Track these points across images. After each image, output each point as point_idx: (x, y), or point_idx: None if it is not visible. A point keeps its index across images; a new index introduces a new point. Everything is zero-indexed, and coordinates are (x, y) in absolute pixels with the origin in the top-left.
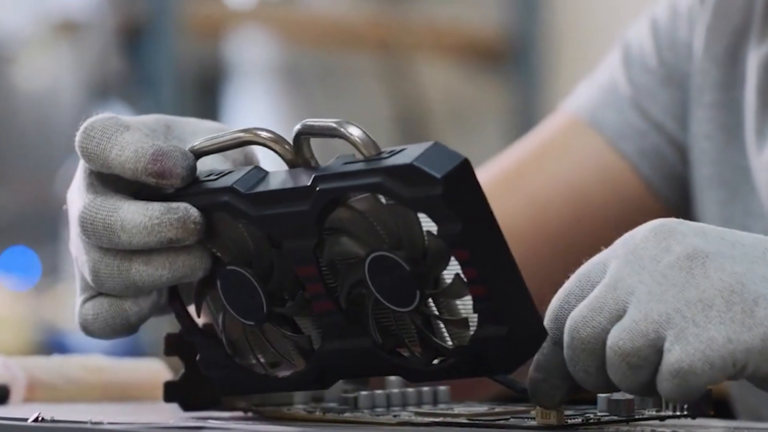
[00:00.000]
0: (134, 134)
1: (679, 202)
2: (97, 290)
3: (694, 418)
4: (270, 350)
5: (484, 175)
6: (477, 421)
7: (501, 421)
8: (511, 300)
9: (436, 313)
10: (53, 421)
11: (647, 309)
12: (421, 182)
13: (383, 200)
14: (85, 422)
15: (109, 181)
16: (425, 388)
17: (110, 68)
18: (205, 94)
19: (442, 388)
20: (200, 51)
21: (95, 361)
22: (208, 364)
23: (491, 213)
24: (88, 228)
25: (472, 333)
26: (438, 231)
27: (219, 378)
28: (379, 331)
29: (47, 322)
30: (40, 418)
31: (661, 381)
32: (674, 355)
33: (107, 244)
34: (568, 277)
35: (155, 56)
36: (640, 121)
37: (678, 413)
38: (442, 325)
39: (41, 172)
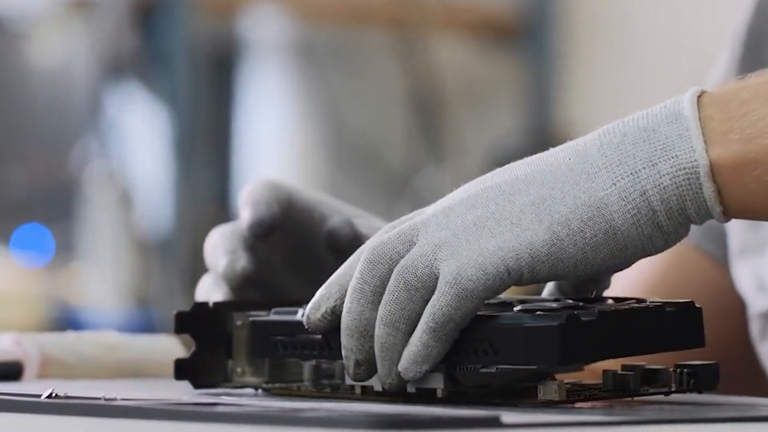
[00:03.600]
0: None
1: (724, 251)
2: None
3: (700, 392)
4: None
5: None
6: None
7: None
8: None
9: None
10: (67, 397)
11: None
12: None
13: None
14: (99, 398)
15: None
16: None
17: (124, 45)
18: (219, 72)
19: None
20: (214, 28)
21: (109, 338)
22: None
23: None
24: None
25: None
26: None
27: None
28: None
29: (61, 299)
30: (53, 395)
31: (438, 298)
32: (450, 267)
33: None
34: None
35: (169, 34)
36: None
37: (684, 388)
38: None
39: (55, 150)
